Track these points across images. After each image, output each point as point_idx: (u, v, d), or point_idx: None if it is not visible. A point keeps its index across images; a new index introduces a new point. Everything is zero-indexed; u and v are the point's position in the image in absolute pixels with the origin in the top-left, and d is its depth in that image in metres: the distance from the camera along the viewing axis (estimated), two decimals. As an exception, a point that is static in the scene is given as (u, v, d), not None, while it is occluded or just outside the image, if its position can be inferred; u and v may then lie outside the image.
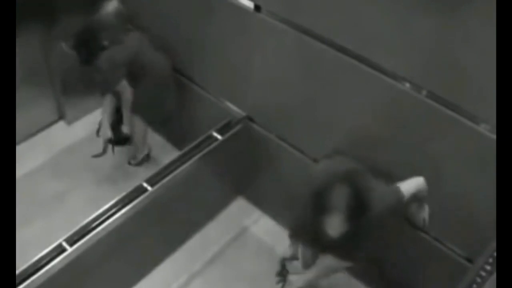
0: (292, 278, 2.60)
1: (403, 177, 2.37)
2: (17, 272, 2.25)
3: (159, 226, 2.91)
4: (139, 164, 3.65)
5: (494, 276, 1.81)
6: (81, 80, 3.53)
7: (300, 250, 2.64)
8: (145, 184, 2.67)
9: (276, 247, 3.13)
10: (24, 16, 2.75)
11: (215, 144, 2.94)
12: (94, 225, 2.48)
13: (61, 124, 3.91)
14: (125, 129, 3.39)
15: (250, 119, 3.10)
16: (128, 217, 2.58)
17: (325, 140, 2.74)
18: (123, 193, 2.61)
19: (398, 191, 2.28)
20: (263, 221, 3.44)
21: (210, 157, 2.92)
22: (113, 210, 2.55)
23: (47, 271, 2.33)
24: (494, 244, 1.83)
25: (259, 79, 2.88)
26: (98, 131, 3.67)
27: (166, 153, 3.61)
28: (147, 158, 3.67)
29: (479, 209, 2.30)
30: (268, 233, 3.35)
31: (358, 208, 2.05)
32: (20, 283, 2.25)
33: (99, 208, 2.53)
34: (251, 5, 2.68)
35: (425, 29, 2.08)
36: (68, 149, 3.74)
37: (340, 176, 2.13)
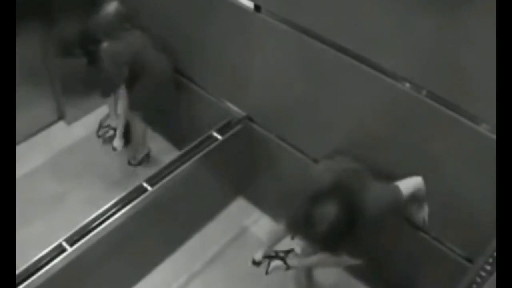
0: (289, 261, 2.63)
1: (403, 177, 2.37)
2: (17, 272, 2.25)
3: (159, 226, 2.91)
4: (139, 164, 3.66)
5: (494, 276, 1.82)
6: (82, 80, 3.53)
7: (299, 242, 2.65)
8: (145, 184, 2.66)
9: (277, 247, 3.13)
10: (24, 16, 2.75)
11: (215, 144, 2.94)
12: (94, 225, 2.48)
13: (61, 124, 3.91)
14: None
15: (250, 119, 3.10)
16: (128, 217, 2.58)
17: (325, 140, 2.74)
18: (123, 193, 2.61)
19: (397, 191, 2.28)
20: (263, 221, 3.44)
21: (210, 157, 2.92)
22: (113, 210, 2.55)
23: (47, 271, 2.33)
24: (494, 244, 1.83)
25: (259, 79, 2.88)
26: (98, 131, 3.68)
27: (166, 153, 3.61)
28: (147, 158, 3.68)
29: (479, 209, 2.30)
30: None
31: (349, 211, 2.07)
32: (20, 283, 2.25)
33: (99, 208, 2.53)
34: (251, 5, 2.68)
35: (425, 29, 2.08)
36: (68, 149, 3.74)
37: (335, 178, 2.18)
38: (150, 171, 2.78)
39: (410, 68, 2.24)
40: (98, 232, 2.47)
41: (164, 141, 3.82)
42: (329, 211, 2.05)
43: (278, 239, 2.66)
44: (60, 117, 3.91)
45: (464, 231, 2.43)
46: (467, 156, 2.24)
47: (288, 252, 2.68)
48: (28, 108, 3.49)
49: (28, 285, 2.27)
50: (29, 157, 3.58)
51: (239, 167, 3.30)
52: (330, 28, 2.40)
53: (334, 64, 2.48)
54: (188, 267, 3.17)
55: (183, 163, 2.80)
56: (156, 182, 2.69)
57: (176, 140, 3.69)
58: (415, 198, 2.38)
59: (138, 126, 3.48)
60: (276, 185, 3.23)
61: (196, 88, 3.31)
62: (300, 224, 2.20)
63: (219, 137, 2.97)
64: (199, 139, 2.94)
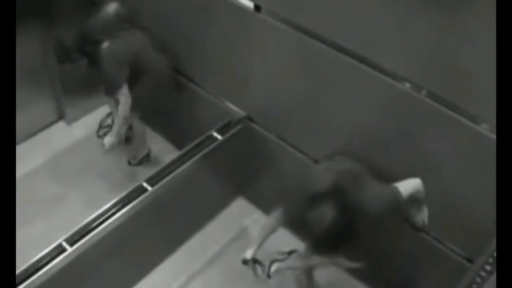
0: (293, 262, 2.60)
1: (403, 178, 2.37)
2: (17, 272, 2.25)
3: (159, 226, 2.91)
4: (139, 164, 3.65)
5: (494, 276, 1.81)
6: (82, 81, 3.53)
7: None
8: (145, 184, 2.67)
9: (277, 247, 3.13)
10: (24, 16, 2.75)
11: (215, 144, 2.94)
12: (94, 225, 2.48)
13: (61, 124, 3.91)
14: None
15: (250, 119, 3.10)
16: (128, 217, 2.58)
17: (325, 140, 2.74)
18: (123, 193, 2.61)
19: (396, 192, 2.28)
20: (263, 221, 3.43)
21: (210, 157, 2.92)
22: (113, 210, 2.55)
23: (47, 271, 2.33)
24: (494, 244, 1.83)
25: (259, 79, 2.88)
26: (98, 131, 3.67)
27: (166, 153, 3.61)
28: (147, 158, 3.68)
29: (479, 209, 2.30)
30: (268, 233, 3.35)
31: (347, 214, 2.09)
32: (20, 283, 2.25)
33: (99, 208, 2.53)
34: (251, 5, 2.68)
35: (425, 29, 2.08)
36: (68, 149, 3.74)
37: (334, 180, 2.19)
38: (150, 171, 2.79)
39: (410, 68, 2.24)
40: (98, 232, 2.47)
41: (164, 141, 3.82)
42: (327, 213, 2.05)
43: (268, 234, 2.60)
44: (60, 117, 3.91)
45: (464, 231, 2.43)
46: (467, 156, 2.24)
47: (290, 253, 2.66)
48: (28, 108, 3.49)
49: (28, 285, 2.27)
50: (29, 157, 3.57)
51: (239, 167, 3.30)
52: (330, 28, 2.40)
53: (334, 64, 2.48)
54: (188, 267, 3.17)
55: (183, 163, 2.81)
56: (156, 182, 2.69)
57: (176, 140, 3.69)
58: (414, 199, 2.38)
59: (137, 126, 3.48)
60: (276, 185, 3.23)
61: (196, 88, 3.31)
62: (297, 223, 2.20)
63: (219, 137, 2.97)
64: (199, 139, 2.94)
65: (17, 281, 2.23)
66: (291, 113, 2.85)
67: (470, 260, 2.46)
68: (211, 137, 2.97)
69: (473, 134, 2.18)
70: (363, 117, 2.52)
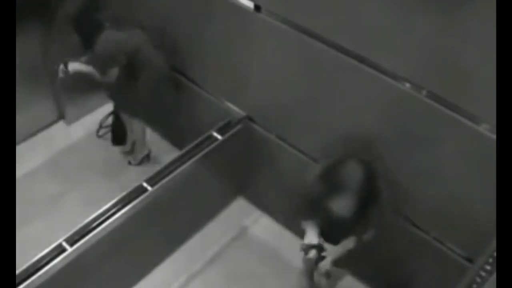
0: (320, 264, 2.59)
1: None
2: (17, 272, 2.25)
3: (159, 226, 2.91)
4: (139, 164, 3.66)
5: (494, 276, 1.81)
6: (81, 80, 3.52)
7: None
8: (145, 184, 2.66)
9: (277, 247, 3.14)
10: (24, 16, 2.75)
11: (215, 144, 2.94)
12: (94, 225, 2.48)
13: (61, 124, 3.91)
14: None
15: (250, 119, 3.10)
16: (128, 217, 2.58)
17: (325, 140, 2.74)
18: (123, 193, 2.61)
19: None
20: (263, 221, 3.44)
21: (210, 157, 2.92)
22: (113, 210, 2.55)
23: (47, 271, 2.33)
24: (494, 244, 1.83)
25: (259, 79, 2.88)
26: (98, 131, 3.68)
27: (166, 153, 3.61)
28: (147, 158, 3.68)
29: (479, 209, 2.30)
30: (268, 233, 3.35)
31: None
32: (20, 283, 2.25)
33: (99, 208, 2.53)
34: (251, 5, 2.68)
35: (425, 29, 2.08)
36: (67, 149, 3.74)
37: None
38: (150, 171, 2.79)
39: (410, 68, 2.24)
40: (98, 232, 2.47)
41: (164, 141, 3.82)
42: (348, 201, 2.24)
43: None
44: (60, 117, 3.91)
45: (464, 231, 2.43)
46: (467, 156, 2.24)
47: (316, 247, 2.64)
48: (28, 108, 3.49)
49: (28, 285, 2.27)
50: (29, 157, 3.58)
51: (239, 167, 3.30)
52: (330, 28, 2.40)
53: (334, 64, 2.48)
54: (188, 267, 3.17)
55: (183, 163, 2.81)
56: (156, 182, 2.69)
57: (176, 140, 3.69)
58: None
59: (137, 126, 3.48)
60: (276, 185, 3.23)
61: (196, 88, 3.31)
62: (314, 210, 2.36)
63: (219, 137, 2.97)
64: (199, 139, 2.94)
65: (17, 281, 2.23)
66: (291, 113, 2.85)
67: (470, 260, 2.46)
68: (211, 137, 2.97)
69: (473, 134, 2.18)
70: (363, 117, 2.52)
